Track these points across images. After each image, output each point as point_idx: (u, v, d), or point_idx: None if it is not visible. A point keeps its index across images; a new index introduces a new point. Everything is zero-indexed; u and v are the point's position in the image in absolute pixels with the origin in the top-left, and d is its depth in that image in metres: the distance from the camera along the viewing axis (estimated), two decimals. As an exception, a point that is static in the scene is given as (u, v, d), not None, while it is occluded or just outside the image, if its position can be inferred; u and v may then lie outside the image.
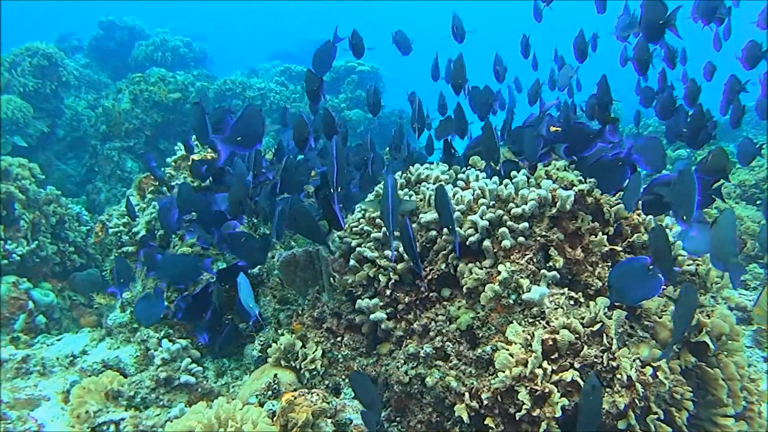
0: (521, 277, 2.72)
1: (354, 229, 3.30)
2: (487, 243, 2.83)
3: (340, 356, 3.18)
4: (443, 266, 2.98)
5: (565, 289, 2.74)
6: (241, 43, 18.56)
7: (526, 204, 2.82)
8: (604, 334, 2.56)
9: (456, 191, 3.03)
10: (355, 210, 3.41)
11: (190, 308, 3.94)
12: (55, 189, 6.27)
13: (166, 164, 4.97)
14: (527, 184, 2.97)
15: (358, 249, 3.19)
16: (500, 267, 2.74)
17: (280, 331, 3.47)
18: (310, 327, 3.31)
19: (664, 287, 2.90)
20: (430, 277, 3.01)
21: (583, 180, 2.97)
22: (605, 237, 2.86)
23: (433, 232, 3.02)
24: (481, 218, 2.83)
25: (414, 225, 3.12)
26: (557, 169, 3.05)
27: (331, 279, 3.22)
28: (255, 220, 4.56)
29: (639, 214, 3.00)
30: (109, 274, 5.44)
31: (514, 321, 2.67)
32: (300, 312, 3.42)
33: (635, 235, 2.95)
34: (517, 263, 2.77)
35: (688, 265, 3.01)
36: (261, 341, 3.59)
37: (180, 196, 3.84)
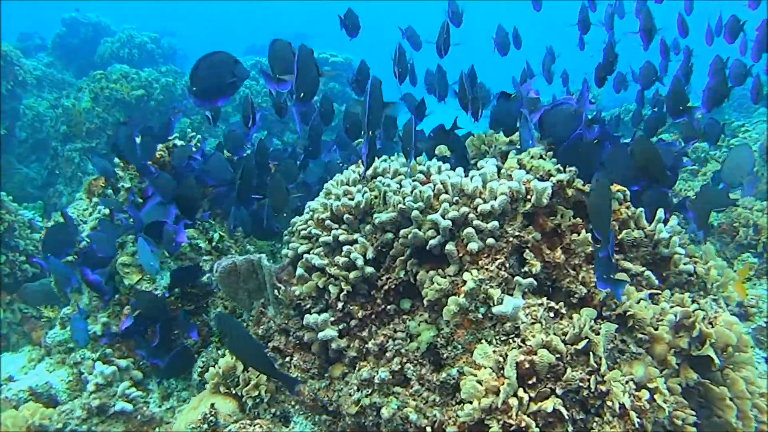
0: (491, 287, 2.25)
1: (302, 232, 2.83)
2: (450, 246, 2.36)
3: (289, 380, 2.71)
4: (402, 274, 2.52)
5: (544, 299, 2.28)
6: (215, 39, 17.96)
7: (495, 199, 2.36)
8: (591, 353, 2.10)
9: (414, 186, 2.56)
10: (304, 209, 2.94)
11: (135, 323, 3.47)
12: (5, 194, 5.77)
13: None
14: (497, 175, 2.51)
15: (305, 256, 2.71)
16: (466, 275, 2.27)
17: (221, 351, 3.00)
18: (255, 346, 2.83)
19: (657, 289, 2.45)
20: (387, 287, 2.54)
21: (561, 169, 2.50)
22: (589, 234, 2.40)
23: (390, 235, 2.55)
24: (443, 217, 2.36)
25: (367, 227, 2.65)
26: (531, 156, 2.59)
27: (276, 291, 2.74)
28: (208, 223, 4.09)
29: (628, 207, 2.55)
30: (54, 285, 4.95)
31: (483, 339, 2.21)
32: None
33: (624, 231, 2.49)
34: (487, 270, 2.30)
35: (685, 264, 2.56)
36: (203, 361, 3.12)
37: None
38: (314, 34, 15.80)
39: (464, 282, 2.26)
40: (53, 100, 9.06)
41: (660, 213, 2.53)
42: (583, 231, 2.41)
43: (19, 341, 5.23)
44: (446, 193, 2.46)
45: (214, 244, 3.97)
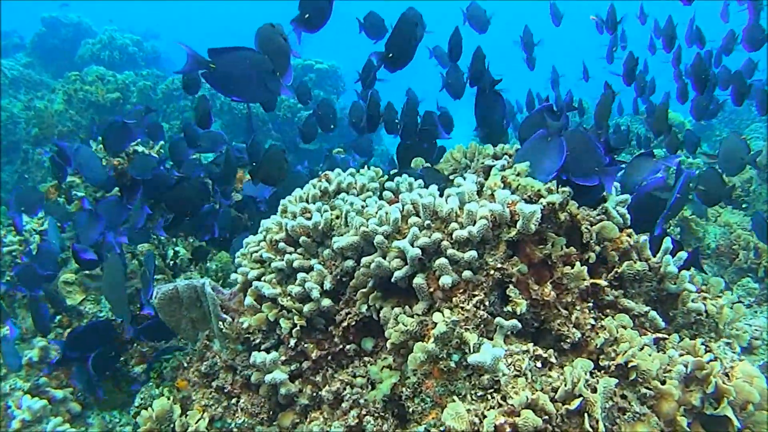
0: (467, 330, 1.84)
1: (254, 254, 2.41)
2: (419, 279, 1.95)
3: (233, 426, 2.28)
4: (364, 309, 2.11)
5: (530, 345, 1.87)
6: (201, 44, 17.51)
7: (474, 224, 1.95)
8: (587, 414, 1.69)
9: (380, 206, 2.15)
10: (259, 229, 2.52)
11: (71, 349, 3.05)
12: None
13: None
14: (476, 195, 2.10)
15: (255, 283, 2.30)
16: (437, 315, 1.86)
17: (160, 389, 2.58)
18: (198, 385, 2.41)
19: (664, 332, 2.05)
20: (346, 323, 2.13)
21: (552, 189, 2.10)
22: (585, 268, 1.99)
23: (350, 262, 2.14)
24: (412, 244, 1.95)
25: (326, 251, 2.24)
26: (518, 173, 2.18)
27: (221, 323, 2.32)
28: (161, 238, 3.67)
29: (629, 234, 2.14)
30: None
31: (456, 393, 1.79)
32: (187, 363, 2.52)
33: (625, 263, 2.09)
34: (462, 309, 1.89)
35: (694, 301, 2.16)
36: (141, 398, 2.70)
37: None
38: (302, 41, 15.35)
39: (434, 324, 1.85)
40: (27, 102, 8.62)
41: (667, 243, 2.13)
42: (577, 263, 2.00)
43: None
44: (417, 215, 2.04)
45: (168, 260, 3.55)
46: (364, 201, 2.22)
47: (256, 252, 2.39)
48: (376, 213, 2.10)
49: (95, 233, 3.18)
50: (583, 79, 5.86)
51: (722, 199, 3.45)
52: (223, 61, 2.20)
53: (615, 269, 2.09)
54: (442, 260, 1.91)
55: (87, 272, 3.33)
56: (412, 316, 1.95)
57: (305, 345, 2.19)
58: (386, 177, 2.55)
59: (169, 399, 2.35)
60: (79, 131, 7.45)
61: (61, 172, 3.71)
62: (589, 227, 2.10)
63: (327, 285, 2.16)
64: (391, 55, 2.40)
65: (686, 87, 4.48)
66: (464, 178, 2.15)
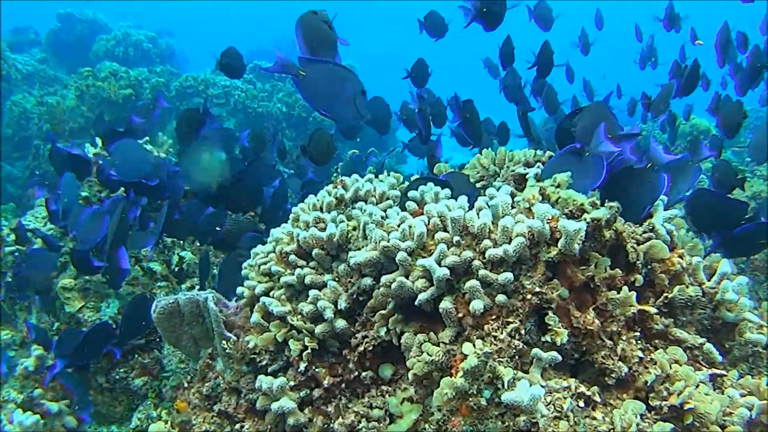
0: (501, 363, 1.60)
1: (262, 266, 2.18)
2: (447, 303, 1.71)
3: (236, 455, 2.06)
4: (383, 332, 1.87)
5: (572, 381, 1.63)
6: (216, 42, 17.34)
7: (509, 242, 1.70)
8: (638, 465, 1.45)
9: (403, 218, 1.90)
10: (269, 238, 2.29)
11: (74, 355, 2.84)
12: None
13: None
14: (512, 208, 1.85)
15: (263, 299, 2.07)
16: (467, 346, 1.62)
17: (158, 411, 2.35)
18: (198, 408, 2.18)
19: (721, 367, 1.80)
20: (362, 348, 1.89)
21: (596, 203, 1.85)
22: (633, 293, 1.75)
23: (368, 280, 1.90)
24: (439, 263, 1.71)
25: (341, 266, 2.00)
26: (557, 185, 1.93)
27: (225, 342, 2.09)
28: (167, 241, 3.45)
29: (682, 256, 1.89)
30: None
31: (487, 436, 1.56)
32: (188, 383, 2.29)
33: (676, 287, 1.84)
34: (495, 338, 1.65)
35: (751, 331, 1.90)
36: (139, 419, 2.47)
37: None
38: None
39: (464, 355, 1.61)
40: (40, 97, 8.44)
41: (724, 265, 1.88)
42: (624, 287, 1.76)
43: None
44: (444, 230, 1.80)
45: (173, 267, 3.32)
46: (385, 212, 1.98)
47: (265, 264, 2.16)
48: (399, 226, 1.86)
49: (97, 235, 2.96)
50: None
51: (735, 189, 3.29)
52: (313, 71, 2.10)
53: (665, 294, 1.84)
54: (474, 282, 1.67)
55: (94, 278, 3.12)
56: (438, 345, 1.71)
57: (316, 370, 1.95)
58: (407, 184, 2.31)
59: (166, 423, 2.13)
60: (89, 128, 7.26)
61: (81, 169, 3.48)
62: (635, 246, 1.86)
63: (342, 304, 1.92)
64: (485, 9, 2.23)
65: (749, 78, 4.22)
66: (497, 189, 1.91)
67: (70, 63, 9.86)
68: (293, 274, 2.03)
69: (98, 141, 3.81)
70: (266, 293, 2.11)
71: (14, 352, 3.36)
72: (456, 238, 1.75)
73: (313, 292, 1.95)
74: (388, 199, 2.21)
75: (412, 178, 2.46)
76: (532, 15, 4.61)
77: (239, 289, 2.23)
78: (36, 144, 7.47)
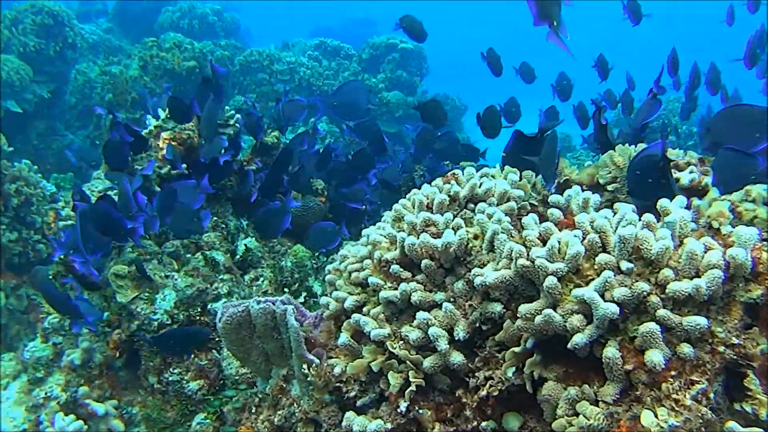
0: (690, 439, 1.16)
1: (352, 274, 1.77)
2: (612, 351, 1.27)
3: (312, 502, 1.67)
4: (511, 374, 1.44)
5: (783, 471, 1.19)
6: (281, 18, 16.97)
7: (699, 274, 1.26)
8: None
9: (548, 230, 1.46)
10: (362, 239, 1.88)
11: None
12: (26, 164, 4.84)
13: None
14: (696, 225, 1.40)
15: (355, 316, 1.66)
16: (646, 416, 1.18)
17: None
18: (268, 438, 1.80)
19: None
20: (485, 392, 1.47)
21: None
22: None
23: (497, 306, 1.48)
24: (603, 296, 1.28)
25: (459, 283, 1.58)
26: (751, 199, 1.47)
27: (306, 366, 1.69)
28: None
29: None
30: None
31: None
32: (255, 407, 1.90)
33: None
34: (677, 402, 1.21)
35: None
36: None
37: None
38: (381, 19, 14.71)
39: (635, 420, 1.18)
40: (104, 67, 8.19)
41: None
42: None
43: (19, 333, 4.33)
44: (606, 251, 1.36)
45: (238, 257, 2.94)
46: (521, 219, 1.53)
47: (358, 272, 1.75)
48: (543, 239, 1.43)
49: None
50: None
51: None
52: None
53: None
54: (651, 326, 1.23)
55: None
56: (596, 403, 1.28)
57: (420, 411, 1.54)
58: (537, 184, 1.87)
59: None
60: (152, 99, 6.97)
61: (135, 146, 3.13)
62: None
63: (460, 333, 1.50)
64: None
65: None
66: (669, 200, 1.45)
67: (135, 34, 9.62)
68: (396, 289, 1.61)
69: (160, 113, 3.45)
70: (358, 308, 1.71)
71: (61, 338, 3.04)
72: (625, 264, 1.31)
73: (421, 315, 1.53)
74: (509, 199, 1.77)
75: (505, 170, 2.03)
76: (625, 10, 4.57)
77: (323, 299, 1.83)
78: (98, 114, 7.23)
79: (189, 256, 2.78)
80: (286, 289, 2.95)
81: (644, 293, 1.26)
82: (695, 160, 2.00)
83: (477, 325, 1.51)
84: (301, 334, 1.69)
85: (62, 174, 6.59)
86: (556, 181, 2.12)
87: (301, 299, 2.96)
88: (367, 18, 14.35)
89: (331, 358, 1.74)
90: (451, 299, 1.57)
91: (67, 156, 4.03)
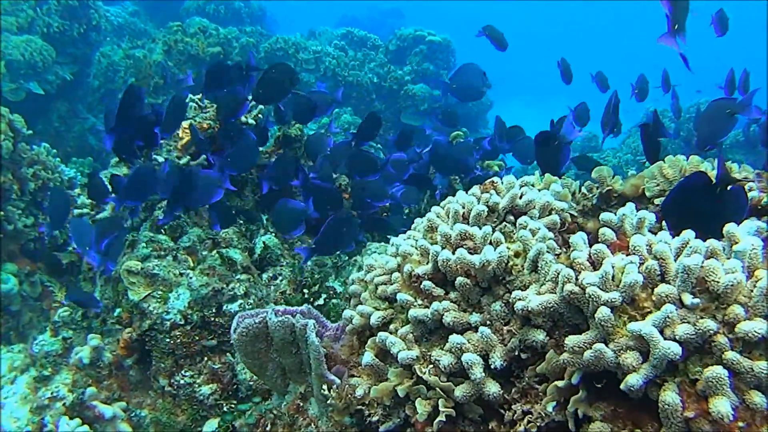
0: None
1: (379, 287, 1.65)
2: (671, 395, 1.13)
3: None
4: (551, 408, 1.31)
5: None
6: (308, 6, 16.82)
7: (775, 312, 1.12)
8: None
9: (600, 253, 1.32)
10: (389, 248, 1.75)
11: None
12: (45, 148, 4.76)
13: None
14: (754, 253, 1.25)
15: (381, 335, 1.54)
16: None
17: None
18: (283, 459, 1.68)
19: None
20: (522, 428, 1.34)
21: None
22: None
23: (539, 334, 1.34)
24: (662, 331, 1.14)
25: (497, 305, 1.44)
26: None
27: (326, 386, 1.57)
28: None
29: None
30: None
31: None
32: (270, 424, 1.79)
33: None
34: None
35: None
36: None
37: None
38: (409, 10, 14.53)
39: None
40: (128, 50, 8.12)
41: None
42: None
43: (32, 320, 4.26)
44: (666, 280, 1.22)
45: (256, 256, 2.83)
46: (571, 242, 1.39)
47: (385, 285, 1.62)
48: (594, 263, 1.29)
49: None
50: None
51: None
52: None
53: None
54: (718, 370, 1.09)
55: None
56: (653, 453, 1.14)
57: (449, 443, 1.41)
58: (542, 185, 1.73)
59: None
60: (174, 85, 6.88)
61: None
62: None
63: (497, 361, 1.37)
64: None
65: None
66: (737, 224, 1.30)
67: (161, 18, 9.54)
68: (427, 308, 1.48)
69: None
70: (385, 325, 1.58)
71: (72, 332, 2.95)
72: (689, 299, 1.16)
73: (455, 339, 1.40)
74: (552, 211, 1.64)
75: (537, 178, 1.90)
76: (713, 20, 4.47)
77: (346, 312, 1.70)
78: (119, 97, 7.16)
79: (205, 253, 2.67)
80: (305, 290, 2.83)
81: (710, 332, 1.12)
82: (752, 175, 1.84)
83: (516, 353, 1.37)
84: (321, 352, 1.57)
85: (82, 158, 6.54)
86: (599, 191, 1.98)
87: (321, 301, 2.84)
88: (395, 8, 14.20)
89: (353, 376, 1.62)
90: (488, 322, 1.44)
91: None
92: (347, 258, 3.35)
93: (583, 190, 1.98)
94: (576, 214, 1.82)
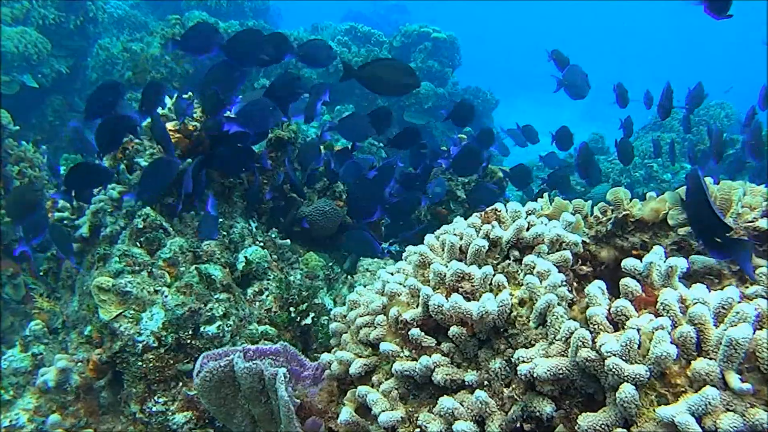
0: None
1: (362, 330, 1.41)
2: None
3: None
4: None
5: None
6: (313, 2, 16.55)
7: None
8: None
9: (623, 311, 1.08)
10: (378, 283, 1.52)
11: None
12: (28, 145, 4.54)
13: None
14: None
15: (361, 389, 1.31)
16: None
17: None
18: None
19: None
20: None
21: None
22: None
23: (547, 406, 1.11)
24: (699, 419, 0.91)
25: (497, 362, 1.21)
26: None
27: (297, 444, 1.34)
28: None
29: None
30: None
31: None
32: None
33: None
34: None
35: None
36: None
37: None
38: (415, 6, 14.25)
39: None
40: (126, 43, 7.89)
41: None
42: None
43: (13, 324, 4.04)
44: (704, 350, 0.99)
45: (237, 273, 2.61)
46: (587, 294, 1.16)
47: (368, 328, 1.39)
48: (617, 324, 1.06)
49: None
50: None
51: None
52: None
53: None
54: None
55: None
56: None
57: None
58: (548, 204, 1.49)
59: None
60: (172, 79, 6.64)
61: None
62: None
63: (494, 430, 1.14)
64: None
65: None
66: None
67: (163, 10, 9.31)
68: (416, 360, 1.25)
69: (167, 101, 3.10)
70: (367, 374, 1.35)
71: (44, 347, 2.73)
72: (737, 382, 0.93)
73: (446, 402, 1.17)
74: (564, 246, 1.40)
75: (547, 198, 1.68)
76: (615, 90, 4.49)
77: (324, 356, 1.48)
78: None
79: (183, 269, 2.44)
80: (291, 309, 2.60)
81: (763, 426, 0.89)
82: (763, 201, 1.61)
83: (517, 424, 1.14)
84: (292, 408, 1.33)
85: (74, 154, 6.32)
86: (614, 215, 1.75)
87: (309, 320, 2.61)
88: (400, 5, 13.93)
89: (330, 430, 1.40)
90: (485, 382, 1.20)
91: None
92: (339, 270, 3.14)
93: (597, 213, 1.74)
94: (588, 240, 1.59)
